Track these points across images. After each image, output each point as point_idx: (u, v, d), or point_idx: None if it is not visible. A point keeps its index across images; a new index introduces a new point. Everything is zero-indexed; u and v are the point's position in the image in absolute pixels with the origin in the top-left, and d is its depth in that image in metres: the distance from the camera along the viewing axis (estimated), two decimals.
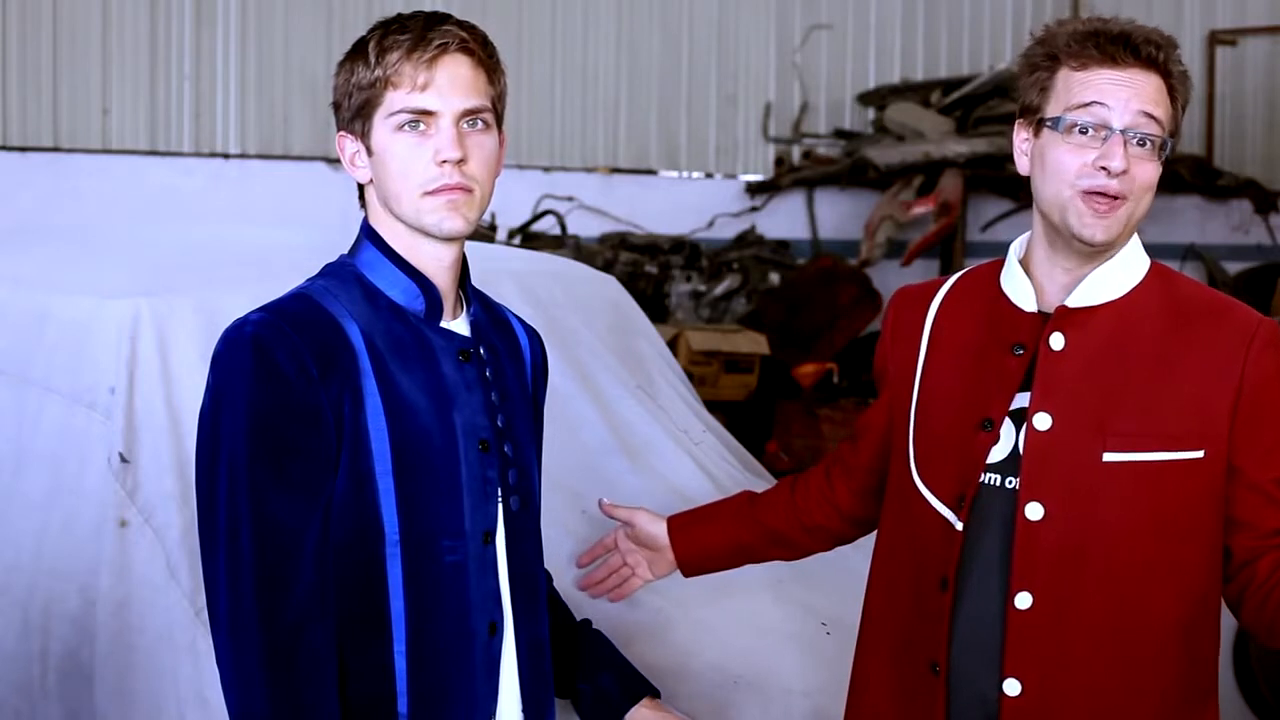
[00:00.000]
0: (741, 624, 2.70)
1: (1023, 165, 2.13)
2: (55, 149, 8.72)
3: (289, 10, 9.16)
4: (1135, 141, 2.02)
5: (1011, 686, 2.04)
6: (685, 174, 10.05)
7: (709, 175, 10.09)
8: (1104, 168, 2.00)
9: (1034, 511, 2.04)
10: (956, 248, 9.14)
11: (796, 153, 10.23)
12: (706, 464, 3.19)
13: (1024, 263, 2.15)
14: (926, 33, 10.28)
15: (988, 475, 2.09)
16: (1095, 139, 2.02)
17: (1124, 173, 2.00)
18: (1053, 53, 2.07)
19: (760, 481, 3.46)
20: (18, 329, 2.70)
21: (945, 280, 2.27)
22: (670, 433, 3.19)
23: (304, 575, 1.89)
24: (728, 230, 9.54)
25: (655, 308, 8.24)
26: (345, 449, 1.92)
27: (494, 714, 2.02)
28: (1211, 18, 10.44)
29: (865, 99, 10.19)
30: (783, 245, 9.28)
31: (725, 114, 10.09)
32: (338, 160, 2.06)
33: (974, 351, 2.15)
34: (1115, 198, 2.01)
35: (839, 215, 9.79)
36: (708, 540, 2.45)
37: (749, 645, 2.49)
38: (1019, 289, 2.13)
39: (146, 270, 2.85)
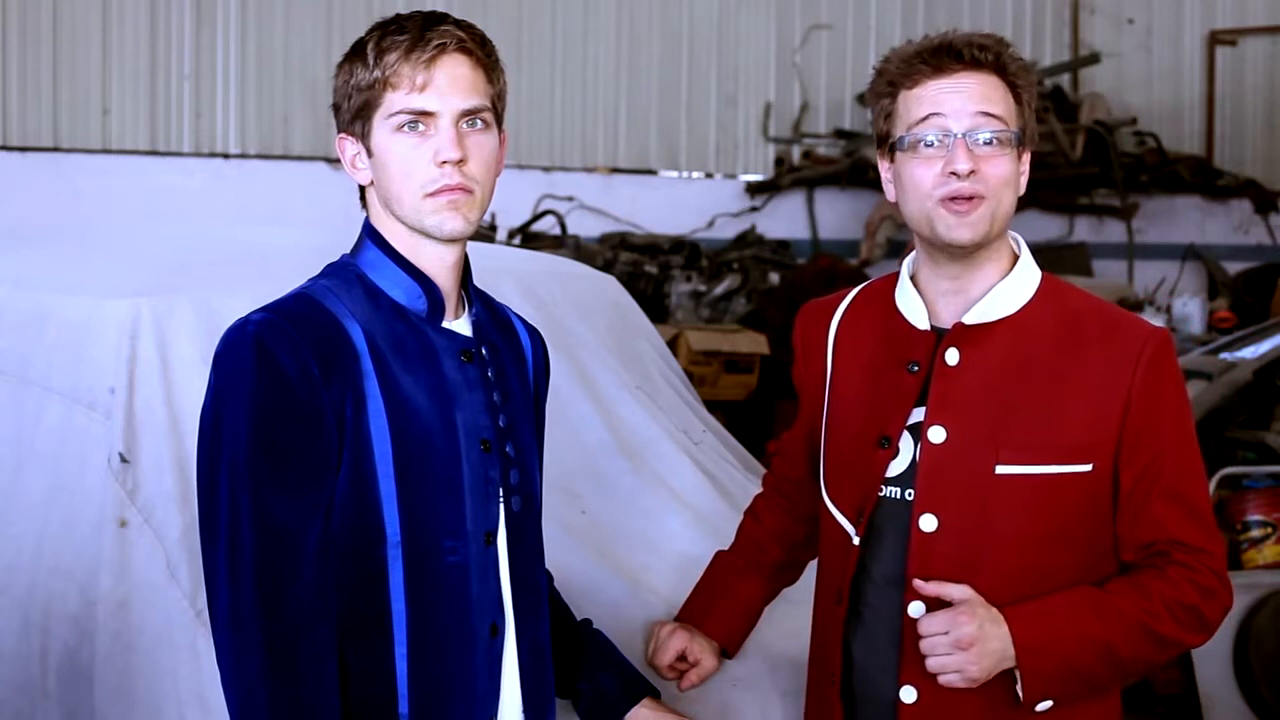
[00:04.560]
0: None
1: (890, 193, 2.17)
2: (55, 149, 8.73)
3: (289, 10, 9.17)
4: (982, 142, 2.05)
5: (908, 694, 2.08)
6: (685, 174, 10.06)
7: (709, 175, 10.10)
8: (953, 172, 2.04)
9: (928, 523, 2.08)
10: None
11: (796, 153, 10.24)
12: (706, 464, 3.18)
13: (915, 280, 2.18)
14: (926, 33, 10.27)
15: (887, 489, 2.13)
16: (941, 149, 2.06)
17: (973, 173, 2.03)
18: (890, 79, 2.13)
19: (758, 480, 3.45)
20: (18, 329, 2.70)
21: (845, 295, 2.31)
22: (670, 433, 3.19)
23: (304, 575, 1.88)
24: (728, 230, 9.55)
25: (655, 308, 8.24)
26: (346, 449, 1.92)
27: (495, 715, 2.02)
28: (1211, 18, 10.45)
29: (865, 99, 10.19)
30: (783, 245, 9.29)
31: (725, 114, 10.09)
32: (338, 160, 2.06)
33: (872, 369, 2.19)
34: (972, 199, 2.04)
35: (839, 215, 9.80)
36: (730, 617, 2.44)
37: (748, 646, 2.49)
38: (911, 306, 2.17)
39: (146, 270, 2.85)
